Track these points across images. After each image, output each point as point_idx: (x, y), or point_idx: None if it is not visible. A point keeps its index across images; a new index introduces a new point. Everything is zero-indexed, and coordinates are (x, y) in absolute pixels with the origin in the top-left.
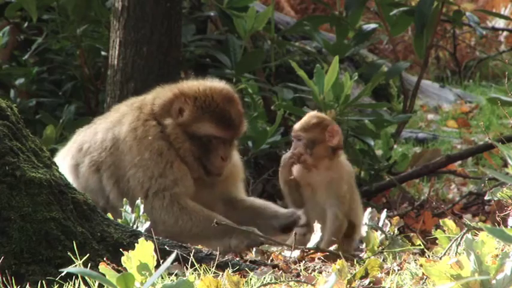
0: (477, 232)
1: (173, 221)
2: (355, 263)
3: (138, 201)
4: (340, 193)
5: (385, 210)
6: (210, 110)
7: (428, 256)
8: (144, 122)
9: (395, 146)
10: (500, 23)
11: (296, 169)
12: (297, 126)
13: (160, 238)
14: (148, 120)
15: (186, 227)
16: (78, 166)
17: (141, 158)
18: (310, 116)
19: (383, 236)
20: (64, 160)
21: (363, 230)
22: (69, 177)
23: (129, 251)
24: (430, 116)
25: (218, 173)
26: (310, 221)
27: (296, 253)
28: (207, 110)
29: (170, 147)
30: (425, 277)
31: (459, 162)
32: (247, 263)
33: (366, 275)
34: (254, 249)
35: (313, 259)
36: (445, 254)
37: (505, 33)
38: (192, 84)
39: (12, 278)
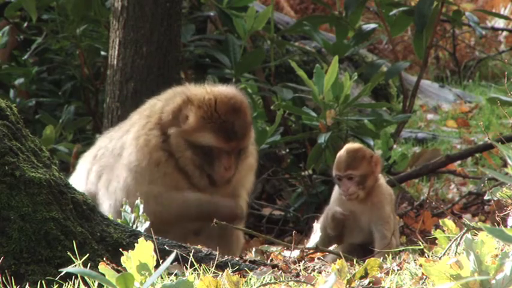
0: (477, 232)
1: (152, 217)
2: (354, 263)
3: (138, 201)
4: (384, 215)
5: None
6: (212, 121)
7: (428, 256)
8: (148, 131)
9: (394, 146)
10: (499, 23)
11: (337, 200)
12: (342, 165)
13: (160, 238)
14: (152, 130)
15: (162, 218)
16: (89, 172)
17: (138, 165)
18: (351, 150)
19: None
20: (82, 164)
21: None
22: (82, 182)
23: (129, 250)
24: (430, 116)
25: (223, 182)
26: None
27: (296, 253)
28: (209, 120)
29: (169, 158)
30: (424, 277)
31: (459, 162)
32: (247, 262)
33: (365, 275)
34: (254, 249)
35: (312, 259)
36: (444, 254)
37: (504, 33)
38: (201, 91)
39: (12, 278)
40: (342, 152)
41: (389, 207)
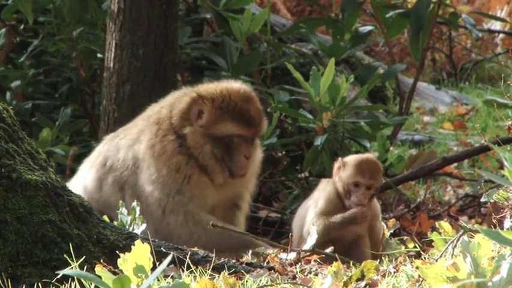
0: (473, 234)
1: (188, 237)
2: (351, 265)
3: (134, 204)
4: (378, 212)
5: (381, 212)
6: (229, 110)
7: (425, 258)
8: (162, 137)
9: (391, 148)
10: (496, 25)
11: (332, 203)
12: (366, 173)
13: (157, 240)
14: (166, 136)
15: (200, 241)
16: (101, 181)
17: (158, 175)
18: (374, 161)
19: None
20: (89, 172)
21: None
22: (92, 190)
23: (125, 253)
24: (426, 118)
25: (242, 173)
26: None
27: (292, 255)
28: (226, 110)
29: (189, 161)
30: (421, 279)
31: (455, 164)
32: (243, 265)
33: (362, 277)
34: (250, 251)
35: (309, 261)
36: (441, 256)
37: (501, 35)
38: (208, 87)
39: (9, 280)
40: (363, 160)
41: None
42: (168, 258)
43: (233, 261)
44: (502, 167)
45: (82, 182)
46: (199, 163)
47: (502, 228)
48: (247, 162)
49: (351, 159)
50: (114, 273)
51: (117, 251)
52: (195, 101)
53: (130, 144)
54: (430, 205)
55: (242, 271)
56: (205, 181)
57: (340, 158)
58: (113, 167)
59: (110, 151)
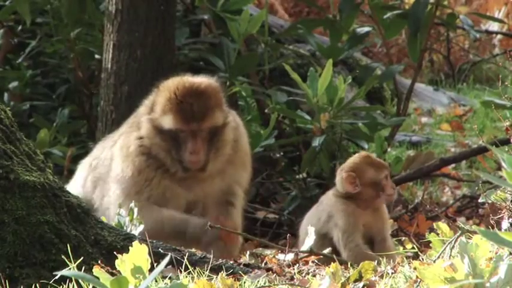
0: (471, 235)
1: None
2: (349, 266)
3: (132, 204)
4: (387, 217)
5: None
6: (172, 104)
7: (422, 259)
8: (129, 138)
9: (389, 149)
10: (494, 26)
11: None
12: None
13: (155, 241)
14: (132, 133)
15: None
16: (85, 179)
17: (123, 176)
18: (370, 156)
19: None
20: (80, 172)
21: None
22: (79, 188)
23: (123, 254)
24: (424, 119)
25: (194, 168)
26: None
27: (290, 256)
28: (168, 103)
29: (149, 161)
30: (419, 280)
31: (453, 165)
32: (241, 266)
33: (359, 278)
34: (248, 252)
35: (307, 262)
36: (439, 257)
37: (498, 36)
38: (173, 80)
39: (6, 281)
40: (366, 156)
41: None
42: (166, 259)
43: (231, 262)
44: (499, 168)
45: (75, 182)
46: (159, 163)
47: (499, 229)
48: (194, 157)
49: (359, 163)
50: (112, 274)
51: (115, 252)
52: (156, 93)
53: (111, 146)
54: (427, 206)
55: (240, 272)
56: (167, 183)
57: (348, 170)
58: (96, 166)
59: (97, 151)
